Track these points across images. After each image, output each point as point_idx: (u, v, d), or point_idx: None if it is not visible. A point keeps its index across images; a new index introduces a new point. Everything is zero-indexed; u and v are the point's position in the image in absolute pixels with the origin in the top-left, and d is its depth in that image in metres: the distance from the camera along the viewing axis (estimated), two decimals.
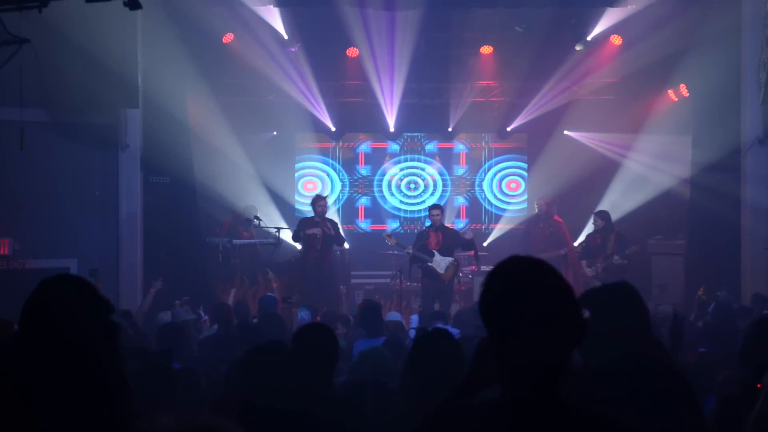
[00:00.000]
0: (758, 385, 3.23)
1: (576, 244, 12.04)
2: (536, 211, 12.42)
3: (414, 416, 3.21)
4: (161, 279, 9.44)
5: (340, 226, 11.55)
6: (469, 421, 1.89)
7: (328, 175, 14.71)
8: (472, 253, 10.95)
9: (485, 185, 14.88)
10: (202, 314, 8.42)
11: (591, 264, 10.96)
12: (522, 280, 1.90)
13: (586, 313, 3.28)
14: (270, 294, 9.07)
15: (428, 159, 14.88)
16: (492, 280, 1.94)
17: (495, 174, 14.88)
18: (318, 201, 10.92)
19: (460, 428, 1.88)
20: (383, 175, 14.86)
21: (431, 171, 14.86)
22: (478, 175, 14.87)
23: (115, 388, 2.28)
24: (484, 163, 14.87)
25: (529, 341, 1.84)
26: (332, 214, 13.75)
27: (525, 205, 14.62)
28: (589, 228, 12.46)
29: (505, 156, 14.81)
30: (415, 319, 8.20)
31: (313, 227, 10.75)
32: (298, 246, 11.16)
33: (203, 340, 6.96)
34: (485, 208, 14.89)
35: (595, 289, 3.31)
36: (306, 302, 9.21)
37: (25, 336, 2.31)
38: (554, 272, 1.92)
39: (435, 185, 14.82)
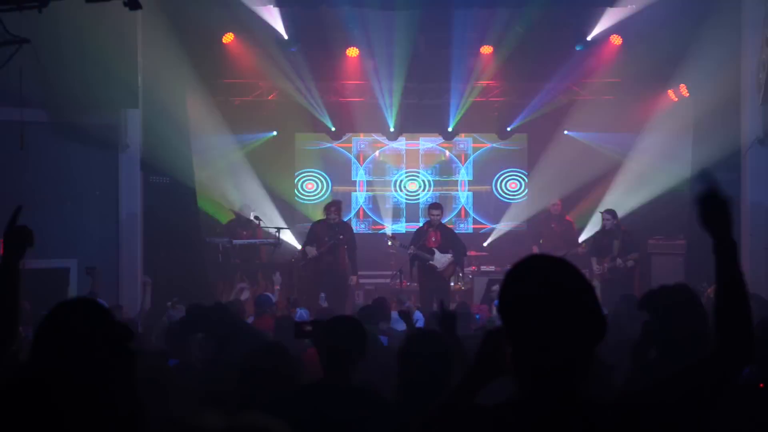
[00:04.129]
0: (761, 385, 3.23)
1: (580, 240, 12.12)
2: (551, 212, 12.48)
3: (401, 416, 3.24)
4: (148, 275, 9.69)
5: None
6: (490, 420, 1.88)
7: (328, 175, 14.70)
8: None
9: (485, 186, 14.88)
10: None
11: (599, 263, 10.96)
12: (543, 279, 1.87)
13: (646, 316, 3.31)
14: (266, 293, 9.06)
15: (427, 159, 14.90)
16: (512, 278, 1.92)
17: (495, 174, 14.87)
18: (330, 207, 10.87)
19: (480, 428, 1.88)
20: (383, 175, 14.87)
21: (430, 171, 14.88)
22: (478, 175, 14.87)
23: (128, 417, 2.25)
24: (485, 164, 14.87)
25: (550, 340, 1.83)
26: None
27: (525, 198, 14.63)
28: (592, 226, 12.51)
29: (505, 160, 14.81)
30: (419, 315, 8.18)
31: (321, 239, 10.69)
32: (298, 246, 11.04)
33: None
34: (485, 208, 14.89)
35: (655, 292, 3.31)
36: (308, 302, 9.21)
37: (38, 360, 2.29)
38: (574, 270, 1.90)
39: (433, 185, 14.83)
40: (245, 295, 10.26)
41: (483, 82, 13.25)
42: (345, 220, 13.88)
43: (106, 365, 2.25)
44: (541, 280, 1.88)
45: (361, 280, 12.08)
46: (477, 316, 8.25)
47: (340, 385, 3.51)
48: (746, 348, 1.97)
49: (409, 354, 3.54)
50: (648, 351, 3.40)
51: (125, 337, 2.33)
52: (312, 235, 10.92)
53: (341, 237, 10.70)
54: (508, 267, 1.97)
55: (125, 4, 6.72)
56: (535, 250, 11.74)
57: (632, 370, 3.47)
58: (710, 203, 2.02)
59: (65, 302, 2.38)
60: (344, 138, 14.48)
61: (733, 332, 1.97)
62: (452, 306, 10.37)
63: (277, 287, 10.48)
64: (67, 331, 2.27)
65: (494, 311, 8.41)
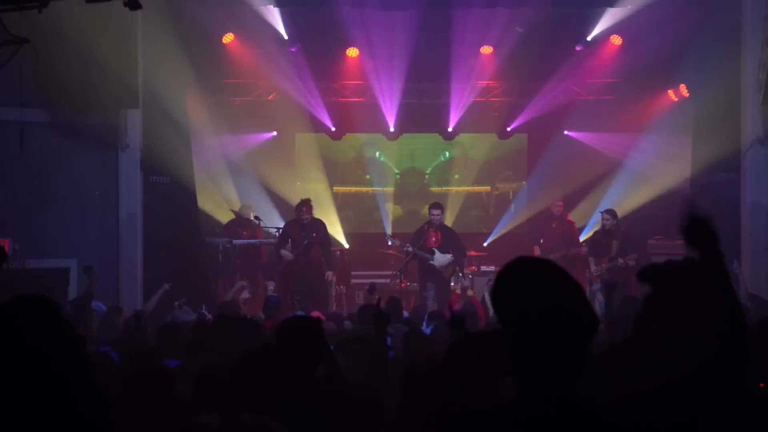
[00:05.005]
0: (761, 384, 3.23)
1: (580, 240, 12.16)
2: (552, 212, 12.48)
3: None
4: (169, 284, 9.46)
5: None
6: (490, 420, 1.89)
7: (327, 175, 14.69)
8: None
9: (485, 186, 14.90)
10: (207, 314, 8.39)
11: (598, 263, 10.96)
12: (529, 281, 1.91)
13: (646, 288, 3.29)
14: (274, 295, 9.07)
15: (427, 159, 14.90)
16: (501, 282, 1.96)
17: (495, 174, 14.88)
18: (301, 206, 10.81)
19: (480, 428, 1.89)
20: (383, 174, 14.87)
21: (430, 171, 14.89)
22: (478, 175, 14.88)
23: (86, 402, 2.22)
24: (485, 164, 14.88)
25: (542, 340, 1.86)
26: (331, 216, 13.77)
27: (525, 198, 14.63)
28: (592, 226, 12.51)
29: (505, 160, 14.80)
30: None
31: (295, 239, 10.68)
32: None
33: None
34: (485, 208, 14.90)
35: (661, 265, 3.29)
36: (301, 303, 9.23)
37: None
38: (561, 271, 1.94)
39: (433, 185, 14.84)
40: (245, 294, 10.26)
41: (483, 82, 13.26)
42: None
43: (55, 362, 2.19)
44: (527, 282, 1.91)
45: (361, 280, 12.07)
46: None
47: (301, 390, 3.38)
48: (740, 360, 2.00)
49: (457, 356, 3.50)
50: (650, 324, 3.35)
51: (69, 330, 2.29)
52: (285, 235, 10.90)
53: (314, 235, 10.67)
54: (498, 271, 2.01)
55: (125, 4, 6.72)
56: (536, 249, 11.74)
57: (636, 344, 3.41)
58: (695, 224, 2.09)
59: (3, 303, 2.31)
60: (344, 138, 14.47)
61: (727, 348, 1.99)
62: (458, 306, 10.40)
63: (271, 288, 10.48)
64: (8, 335, 2.21)
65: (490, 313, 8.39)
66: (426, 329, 7.08)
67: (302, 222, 10.68)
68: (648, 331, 3.29)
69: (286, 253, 10.66)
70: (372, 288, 7.74)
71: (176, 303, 8.56)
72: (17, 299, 2.31)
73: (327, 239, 10.96)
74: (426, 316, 8.01)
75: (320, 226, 10.93)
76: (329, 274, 10.81)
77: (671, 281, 3.12)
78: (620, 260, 10.77)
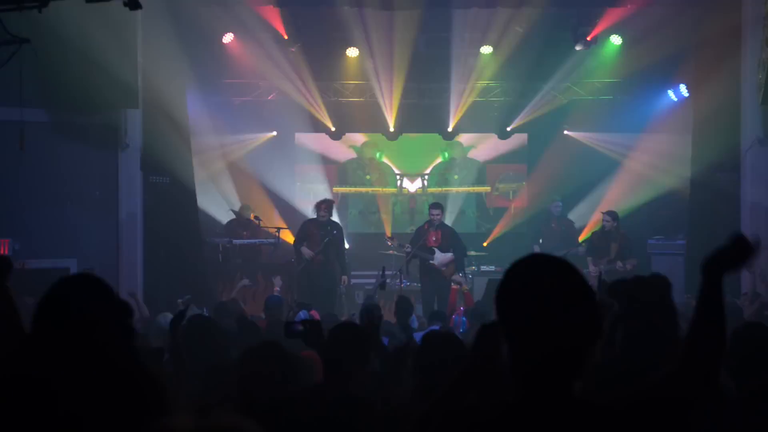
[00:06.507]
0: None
1: (579, 240, 12.16)
2: (552, 212, 12.49)
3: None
4: (134, 291, 9.58)
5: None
6: (485, 420, 1.87)
7: (327, 175, 14.68)
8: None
9: (485, 185, 14.89)
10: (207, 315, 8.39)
11: (596, 263, 10.96)
12: (542, 278, 1.87)
13: (615, 306, 3.26)
14: (276, 295, 9.05)
15: (427, 158, 14.88)
16: (511, 277, 1.91)
17: (495, 174, 14.87)
18: (321, 205, 10.89)
19: (476, 428, 1.87)
20: (383, 174, 14.85)
21: (430, 171, 14.87)
22: (478, 175, 14.87)
23: (137, 386, 2.25)
24: (484, 164, 14.87)
25: (547, 339, 1.83)
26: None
27: (525, 198, 14.64)
28: (591, 226, 12.50)
29: (505, 160, 14.77)
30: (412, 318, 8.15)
31: (313, 237, 10.72)
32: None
33: None
34: (485, 207, 14.89)
35: (628, 280, 3.26)
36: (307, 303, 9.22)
37: (39, 334, 2.29)
38: (574, 270, 1.90)
39: (433, 184, 14.83)
40: (245, 282, 10.27)
41: (483, 82, 13.25)
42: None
43: (105, 339, 2.26)
44: (537, 277, 1.87)
45: (361, 281, 12.07)
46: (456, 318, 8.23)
47: (334, 393, 3.45)
48: (709, 383, 1.93)
49: (426, 355, 3.50)
50: (614, 340, 3.32)
51: (125, 313, 2.37)
52: (303, 234, 10.92)
53: (335, 233, 10.73)
54: (509, 266, 1.95)
55: (125, 4, 6.71)
56: (536, 249, 11.74)
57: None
58: (741, 250, 2.02)
59: (67, 277, 2.43)
60: (344, 138, 14.46)
61: (699, 365, 1.93)
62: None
63: (277, 289, 10.47)
64: (67, 304, 2.29)
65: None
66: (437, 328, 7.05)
67: (320, 221, 10.73)
68: (613, 345, 3.26)
69: (307, 251, 10.70)
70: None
71: (180, 300, 8.54)
72: (80, 275, 2.53)
73: (342, 242, 11.01)
74: (428, 316, 8.02)
75: (339, 226, 11.08)
76: (344, 279, 10.99)
77: (638, 296, 3.11)
78: (619, 264, 10.75)
